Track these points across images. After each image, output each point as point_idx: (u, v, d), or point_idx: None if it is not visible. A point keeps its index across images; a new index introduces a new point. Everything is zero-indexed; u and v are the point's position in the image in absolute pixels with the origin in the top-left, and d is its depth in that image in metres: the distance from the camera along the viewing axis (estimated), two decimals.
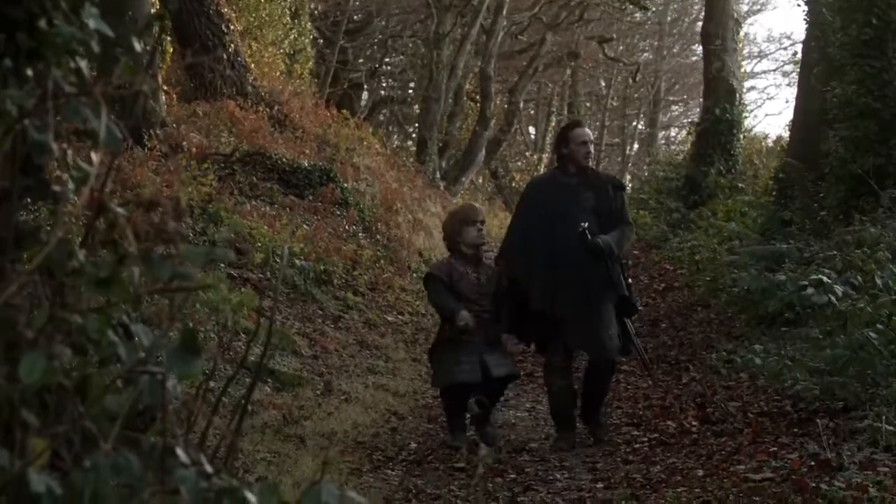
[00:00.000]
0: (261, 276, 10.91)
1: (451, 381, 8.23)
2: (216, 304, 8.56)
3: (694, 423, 8.66)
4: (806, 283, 9.91)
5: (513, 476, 7.66)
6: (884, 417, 7.11)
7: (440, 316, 8.71)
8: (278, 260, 11.15)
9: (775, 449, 7.57)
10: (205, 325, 8.58)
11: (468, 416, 8.39)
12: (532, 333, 8.62)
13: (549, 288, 8.13)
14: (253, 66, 18.66)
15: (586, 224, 8.01)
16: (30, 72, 1.96)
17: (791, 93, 51.41)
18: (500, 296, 8.43)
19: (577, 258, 8.04)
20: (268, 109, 17.44)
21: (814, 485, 6.48)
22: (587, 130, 8.62)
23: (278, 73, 20.38)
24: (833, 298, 9.26)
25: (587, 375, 8.51)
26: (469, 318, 8.22)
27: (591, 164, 8.49)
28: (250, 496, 1.79)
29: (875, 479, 6.29)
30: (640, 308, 9.73)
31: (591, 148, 8.46)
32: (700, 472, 7.35)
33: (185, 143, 13.52)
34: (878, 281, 9.04)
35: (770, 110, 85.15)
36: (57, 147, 1.92)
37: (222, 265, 10.22)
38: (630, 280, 8.50)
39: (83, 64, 1.97)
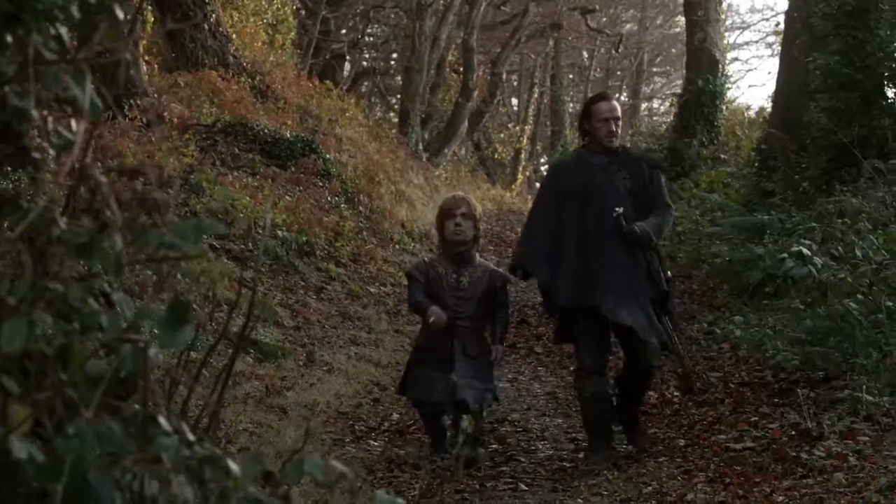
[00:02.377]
0: (242, 246, 10.89)
1: (422, 398, 7.30)
2: (197, 274, 8.54)
3: (675, 393, 8.70)
4: (786, 255, 9.95)
5: (494, 446, 7.69)
6: (864, 387, 7.15)
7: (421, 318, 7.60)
8: (260, 231, 11.13)
9: (756, 419, 7.62)
10: (185, 296, 8.56)
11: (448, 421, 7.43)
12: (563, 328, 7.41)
13: (580, 280, 7.04)
14: (234, 36, 18.57)
15: (621, 209, 7.04)
16: (9, 38, 1.94)
17: (774, 64, 51.47)
18: (493, 302, 7.39)
19: (613, 246, 7.05)
20: (250, 80, 17.37)
21: (794, 454, 6.53)
22: (613, 104, 7.39)
23: (260, 44, 20.30)
24: (813, 269, 9.29)
25: (626, 369, 7.40)
26: (439, 313, 7.16)
27: (615, 142, 7.30)
28: (232, 464, 1.79)
29: (855, 448, 6.34)
30: (678, 308, 8.42)
31: (615, 126, 7.25)
32: (681, 442, 7.39)
33: (166, 113, 13.47)
34: (858, 252, 9.07)
35: (753, 81, 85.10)
36: (37, 114, 1.91)
37: (205, 235, 10.19)
38: (669, 273, 7.46)
39: (64, 30, 1.96)
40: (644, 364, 7.19)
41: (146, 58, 14.97)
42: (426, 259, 7.65)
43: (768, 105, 20.34)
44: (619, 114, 7.37)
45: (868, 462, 6.08)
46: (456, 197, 7.71)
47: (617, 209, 7.02)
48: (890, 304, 7.97)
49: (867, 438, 6.55)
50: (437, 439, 7.31)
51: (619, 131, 7.34)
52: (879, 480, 5.67)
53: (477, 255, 7.53)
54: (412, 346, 7.51)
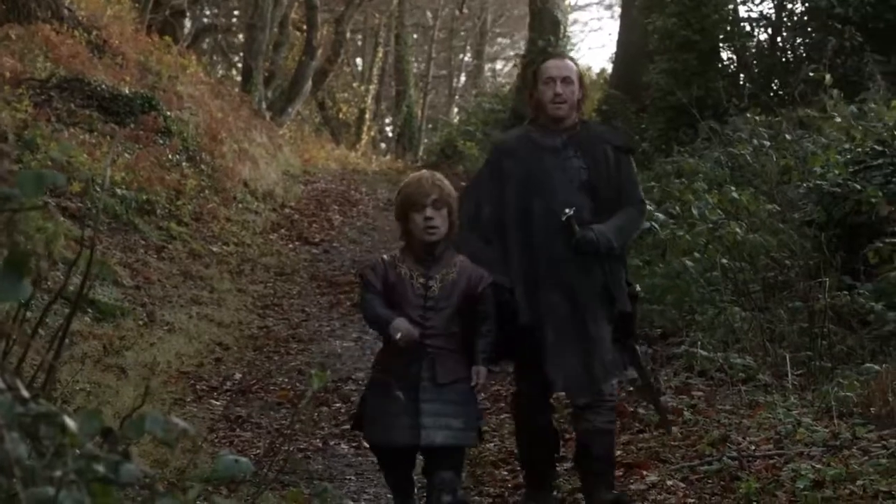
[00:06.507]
0: (80, 204, 10.65)
1: (380, 441, 5.34)
2: (33, 231, 8.31)
3: None
4: None
5: (338, 405, 7.70)
6: (699, 343, 7.36)
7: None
8: (98, 189, 10.89)
9: None
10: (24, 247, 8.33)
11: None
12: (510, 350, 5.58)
13: (529, 294, 5.45)
14: None
15: (571, 210, 5.42)
16: None
17: (614, 26, 52.24)
18: (472, 311, 5.31)
19: (561, 256, 5.46)
20: (86, 34, 16.92)
21: (632, 409, 6.68)
22: (564, 63, 5.83)
23: None
24: (656, 226, 9.48)
25: (580, 435, 5.62)
26: (407, 329, 5.12)
27: (563, 110, 5.61)
28: (69, 421, 1.75)
29: (689, 402, 6.53)
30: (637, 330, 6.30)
31: (565, 89, 5.61)
32: None
33: None
34: (695, 211, 9.29)
35: (593, 43, 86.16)
36: None
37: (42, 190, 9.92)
38: (639, 288, 5.98)
39: None
40: (585, 408, 5.54)
41: None
42: (384, 257, 5.53)
43: (609, 66, 20.66)
44: (572, 74, 5.69)
45: (702, 416, 6.27)
46: (423, 180, 5.46)
47: (567, 210, 5.44)
48: (724, 261, 8.19)
49: (701, 393, 6.75)
50: (400, 494, 5.42)
51: (575, 99, 5.66)
52: (712, 433, 5.85)
53: (452, 250, 5.41)
54: (373, 367, 5.67)
